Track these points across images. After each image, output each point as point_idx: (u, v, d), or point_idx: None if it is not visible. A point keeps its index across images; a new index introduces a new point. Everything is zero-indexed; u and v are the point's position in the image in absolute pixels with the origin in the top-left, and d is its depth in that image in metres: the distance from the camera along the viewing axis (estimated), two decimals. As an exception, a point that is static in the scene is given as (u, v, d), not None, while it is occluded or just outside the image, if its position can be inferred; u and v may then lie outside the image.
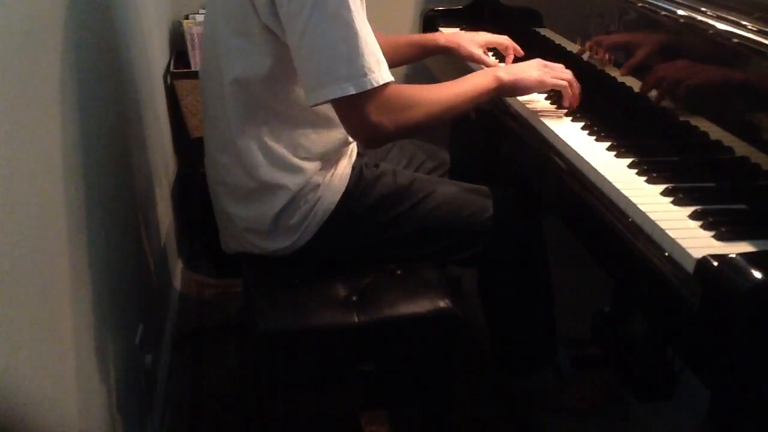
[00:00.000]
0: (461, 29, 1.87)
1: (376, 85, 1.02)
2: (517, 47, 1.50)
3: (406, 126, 1.10)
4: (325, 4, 0.98)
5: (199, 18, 2.01)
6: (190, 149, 2.07)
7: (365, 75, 1.02)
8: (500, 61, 1.51)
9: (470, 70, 1.36)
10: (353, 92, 1.01)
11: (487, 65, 1.42)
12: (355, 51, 1.01)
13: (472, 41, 1.48)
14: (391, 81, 1.06)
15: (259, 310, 1.15)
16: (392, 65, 1.09)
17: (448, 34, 1.52)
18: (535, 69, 1.22)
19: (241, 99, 1.14)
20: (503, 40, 1.50)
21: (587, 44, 1.38)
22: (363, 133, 1.10)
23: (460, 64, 1.52)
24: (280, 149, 1.16)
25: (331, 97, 1.03)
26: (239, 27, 1.09)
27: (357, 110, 1.05)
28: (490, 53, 1.54)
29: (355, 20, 1.00)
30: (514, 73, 1.20)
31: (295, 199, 1.17)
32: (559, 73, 1.22)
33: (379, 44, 1.05)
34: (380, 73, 1.04)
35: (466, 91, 1.17)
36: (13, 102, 0.78)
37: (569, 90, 1.20)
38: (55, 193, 0.91)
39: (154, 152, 1.73)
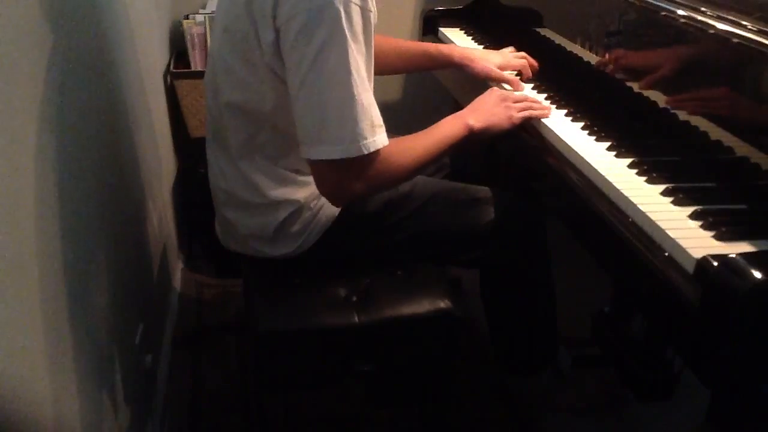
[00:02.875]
0: (461, 30, 1.87)
1: (366, 152, 0.98)
2: (534, 62, 1.45)
3: (376, 187, 1.10)
4: (324, 62, 0.94)
5: (199, 18, 2.01)
6: (190, 149, 2.07)
7: (356, 141, 0.97)
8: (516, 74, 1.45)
9: (486, 85, 1.34)
10: (338, 157, 0.97)
11: (507, 83, 1.38)
12: (348, 115, 0.96)
13: (486, 59, 1.42)
14: (384, 146, 1.01)
15: (259, 311, 1.15)
16: (397, 71, 1.02)
17: (463, 50, 1.46)
18: (501, 108, 1.21)
19: (239, 122, 1.11)
20: (519, 63, 1.44)
21: (607, 57, 1.31)
22: (335, 194, 1.07)
23: (473, 78, 1.46)
24: (282, 168, 1.14)
25: (317, 158, 0.99)
26: (244, 56, 1.04)
27: (336, 174, 1.01)
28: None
29: (354, 83, 0.95)
30: (483, 120, 1.19)
31: (298, 210, 1.16)
32: (518, 98, 1.23)
33: (385, 50, 0.97)
34: (373, 138, 0.99)
35: (437, 143, 1.13)
36: (12, 102, 0.78)
37: (537, 112, 1.22)
38: (55, 193, 0.91)
39: (154, 152, 1.73)
